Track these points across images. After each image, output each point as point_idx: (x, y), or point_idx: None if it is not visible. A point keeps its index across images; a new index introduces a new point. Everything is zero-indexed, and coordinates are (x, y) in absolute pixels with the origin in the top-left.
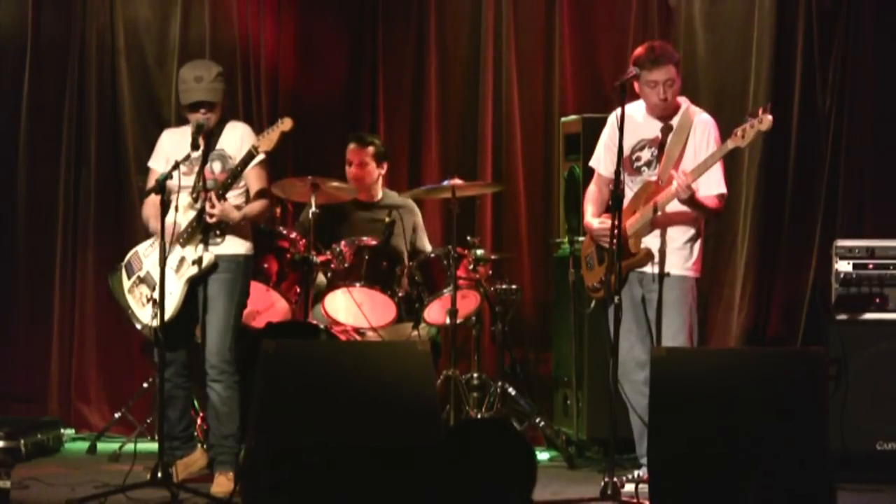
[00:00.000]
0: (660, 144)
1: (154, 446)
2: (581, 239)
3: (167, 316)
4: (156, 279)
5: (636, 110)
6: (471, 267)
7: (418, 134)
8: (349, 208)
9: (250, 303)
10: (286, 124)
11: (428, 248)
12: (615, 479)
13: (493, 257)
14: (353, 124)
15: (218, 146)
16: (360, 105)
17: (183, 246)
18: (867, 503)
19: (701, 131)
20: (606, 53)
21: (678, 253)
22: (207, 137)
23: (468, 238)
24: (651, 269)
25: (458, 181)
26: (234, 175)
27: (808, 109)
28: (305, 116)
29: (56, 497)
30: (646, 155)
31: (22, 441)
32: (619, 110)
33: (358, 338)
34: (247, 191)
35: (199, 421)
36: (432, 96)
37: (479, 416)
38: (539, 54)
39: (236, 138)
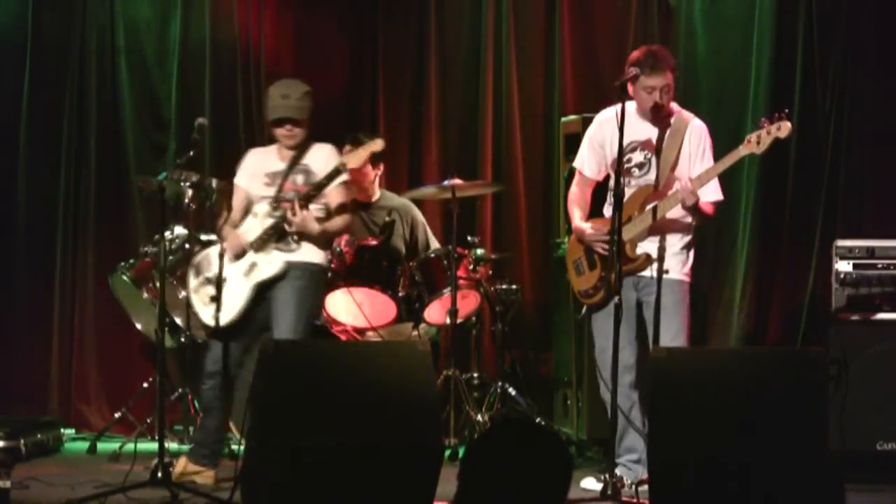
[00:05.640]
0: (656, 150)
1: (154, 446)
2: None
3: (229, 318)
4: (222, 281)
5: (628, 111)
6: (471, 267)
7: (418, 134)
8: None
9: None
10: (377, 144)
11: (435, 243)
12: (604, 477)
13: (493, 257)
14: (353, 124)
15: (303, 161)
16: (360, 105)
17: (256, 251)
18: (867, 503)
19: (696, 138)
20: (606, 53)
21: (676, 257)
22: (294, 154)
23: (468, 238)
24: (650, 272)
25: (458, 181)
26: (318, 187)
27: (808, 109)
28: None
29: (56, 497)
30: (637, 157)
31: (22, 441)
32: (607, 111)
33: (358, 338)
34: (327, 207)
35: (199, 421)
36: (432, 96)
37: (479, 416)
38: (539, 54)
39: (322, 157)
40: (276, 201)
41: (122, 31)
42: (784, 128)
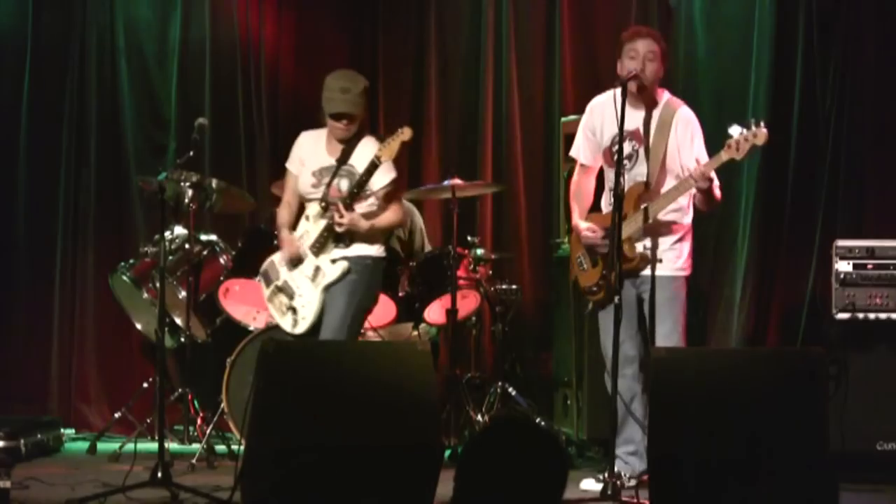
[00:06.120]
0: (643, 140)
1: (154, 446)
2: None
3: (307, 326)
4: (293, 288)
5: (618, 102)
6: (471, 267)
7: (418, 134)
8: None
9: (251, 302)
10: (405, 134)
11: (428, 248)
12: (603, 476)
13: (493, 257)
14: None
15: (350, 161)
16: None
17: (316, 255)
18: (867, 503)
19: (683, 127)
20: (606, 53)
21: (667, 253)
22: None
23: (468, 238)
24: (647, 270)
25: (458, 181)
26: (359, 185)
27: (808, 109)
28: (305, 116)
29: (56, 497)
30: (626, 148)
31: (22, 441)
32: (599, 97)
33: (358, 338)
34: (377, 203)
35: (199, 421)
36: (432, 96)
37: (479, 416)
38: (539, 54)
39: (367, 157)
40: (325, 202)
41: (122, 31)
42: (761, 135)
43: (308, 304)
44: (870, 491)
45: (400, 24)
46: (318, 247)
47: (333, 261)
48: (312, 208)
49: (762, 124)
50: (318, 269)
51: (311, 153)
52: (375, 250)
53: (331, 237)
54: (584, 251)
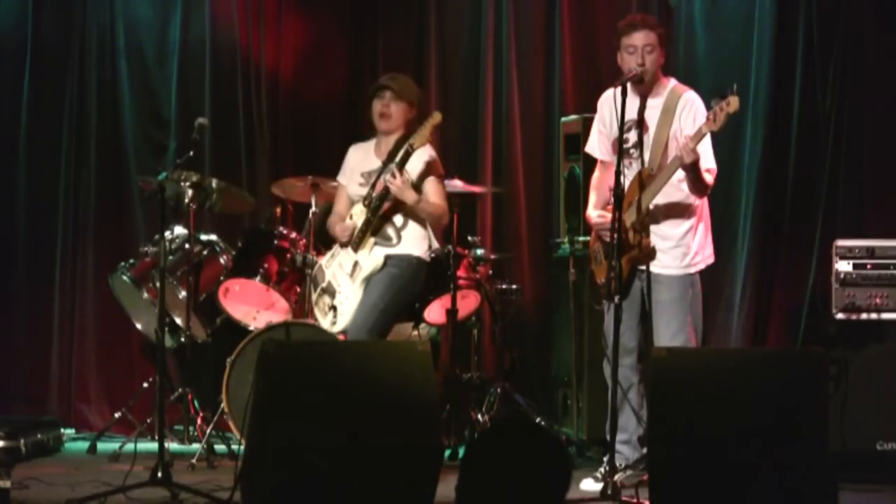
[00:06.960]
0: (647, 127)
1: (154, 446)
2: (581, 239)
3: (345, 322)
4: (335, 287)
5: (617, 98)
6: (471, 267)
7: None
8: None
9: (251, 302)
10: (436, 118)
11: (434, 243)
12: (601, 472)
13: (493, 257)
14: (353, 124)
15: (397, 159)
16: (360, 105)
17: (355, 250)
18: (867, 503)
19: (687, 111)
20: (606, 53)
21: (672, 252)
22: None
23: (468, 238)
24: (651, 266)
25: (458, 181)
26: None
27: (808, 109)
28: (305, 116)
29: (56, 497)
30: (633, 137)
31: (22, 441)
32: (607, 91)
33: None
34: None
35: (199, 421)
36: (432, 96)
37: (479, 416)
38: (539, 54)
39: (414, 158)
40: (368, 200)
41: (122, 31)
42: (733, 102)
43: (346, 301)
44: (870, 491)
45: (400, 24)
46: (357, 241)
47: (372, 255)
48: (357, 209)
49: (735, 91)
50: (356, 263)
51: (360, 160)
52: (421, 251)
53: (369, 231)
54: (600, 245)
